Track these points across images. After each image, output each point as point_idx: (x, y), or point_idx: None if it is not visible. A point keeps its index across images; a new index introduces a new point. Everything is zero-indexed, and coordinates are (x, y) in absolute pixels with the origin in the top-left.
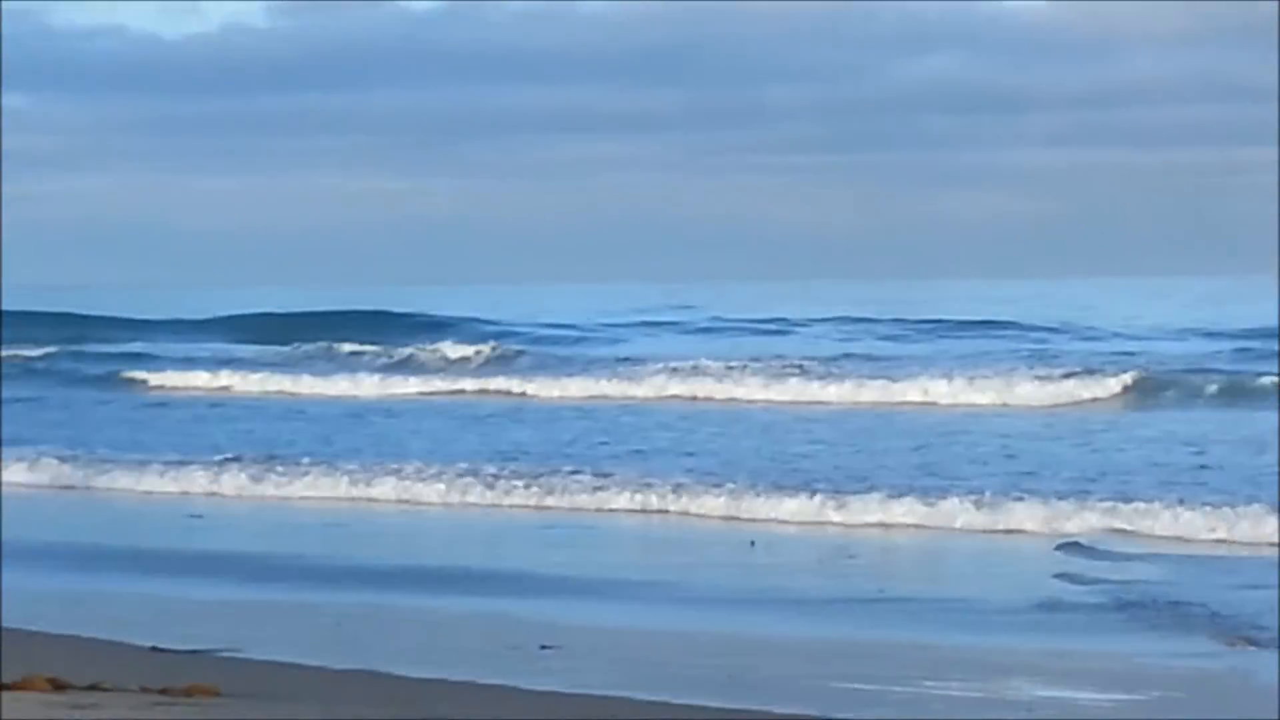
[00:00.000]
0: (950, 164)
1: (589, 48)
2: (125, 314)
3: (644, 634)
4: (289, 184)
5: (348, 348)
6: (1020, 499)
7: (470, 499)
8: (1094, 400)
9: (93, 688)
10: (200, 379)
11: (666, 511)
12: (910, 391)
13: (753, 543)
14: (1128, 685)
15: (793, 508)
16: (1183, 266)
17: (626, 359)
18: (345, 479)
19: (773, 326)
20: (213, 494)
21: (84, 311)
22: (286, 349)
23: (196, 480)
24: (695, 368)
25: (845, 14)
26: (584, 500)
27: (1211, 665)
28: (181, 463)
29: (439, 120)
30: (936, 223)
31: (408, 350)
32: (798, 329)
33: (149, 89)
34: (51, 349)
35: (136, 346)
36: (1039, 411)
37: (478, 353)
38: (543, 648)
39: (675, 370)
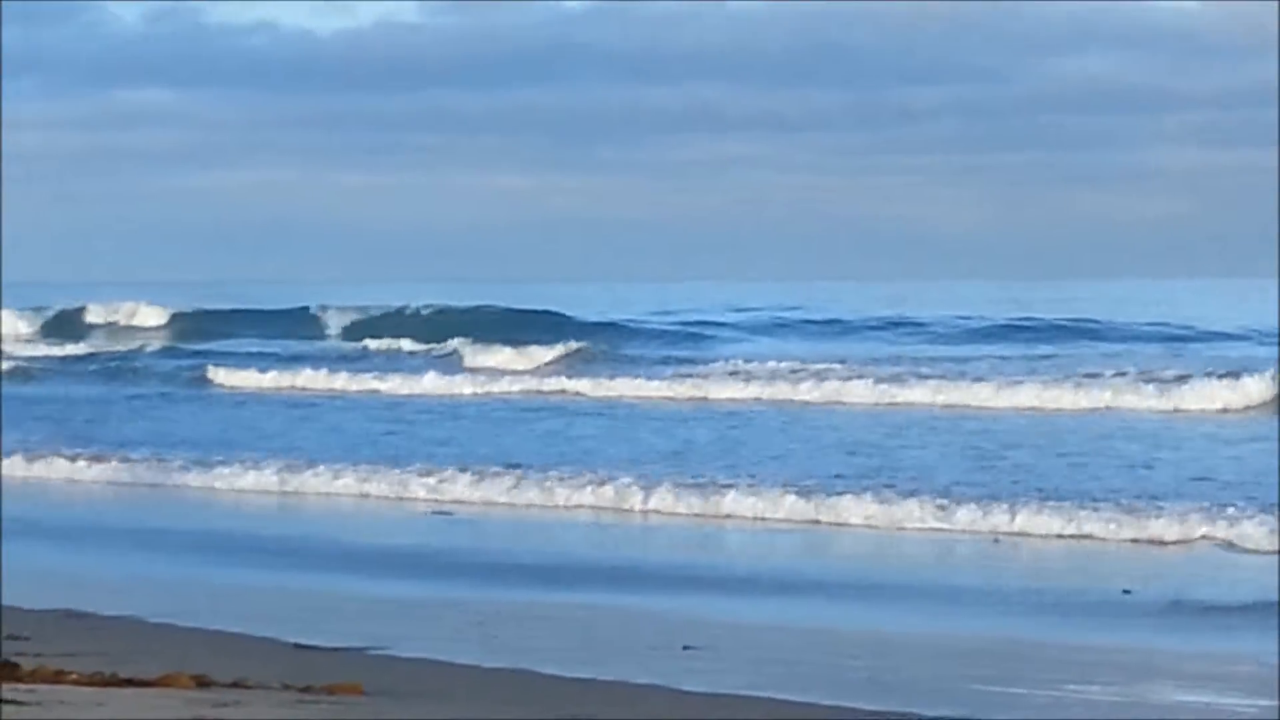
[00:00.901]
0: (1097, 164)
1: (734, 47)
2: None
3: (782, 633)
4: (439, 181)
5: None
6: (1161, 504)
7: (599, 502)
8: (1242, 409)
9: (235, 685)
10: (267, 378)
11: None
12: (1058, 396)
13: (996, 539)
14: (1270, 691)
15: (956, 516)
16: None
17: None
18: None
19: (904, 325)
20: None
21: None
22: (353, 345)
23: (327, 480)
24: (827, 370)
25: (989, 14)
26: (738, 505)
27: None
28: (312, 460)
29: (585, 118)
30: (1084, 223)
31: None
32: (930, 328)
33: (300, 85)
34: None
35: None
36: (1181, 415)
37: (564, 351)
38: (685, 648)
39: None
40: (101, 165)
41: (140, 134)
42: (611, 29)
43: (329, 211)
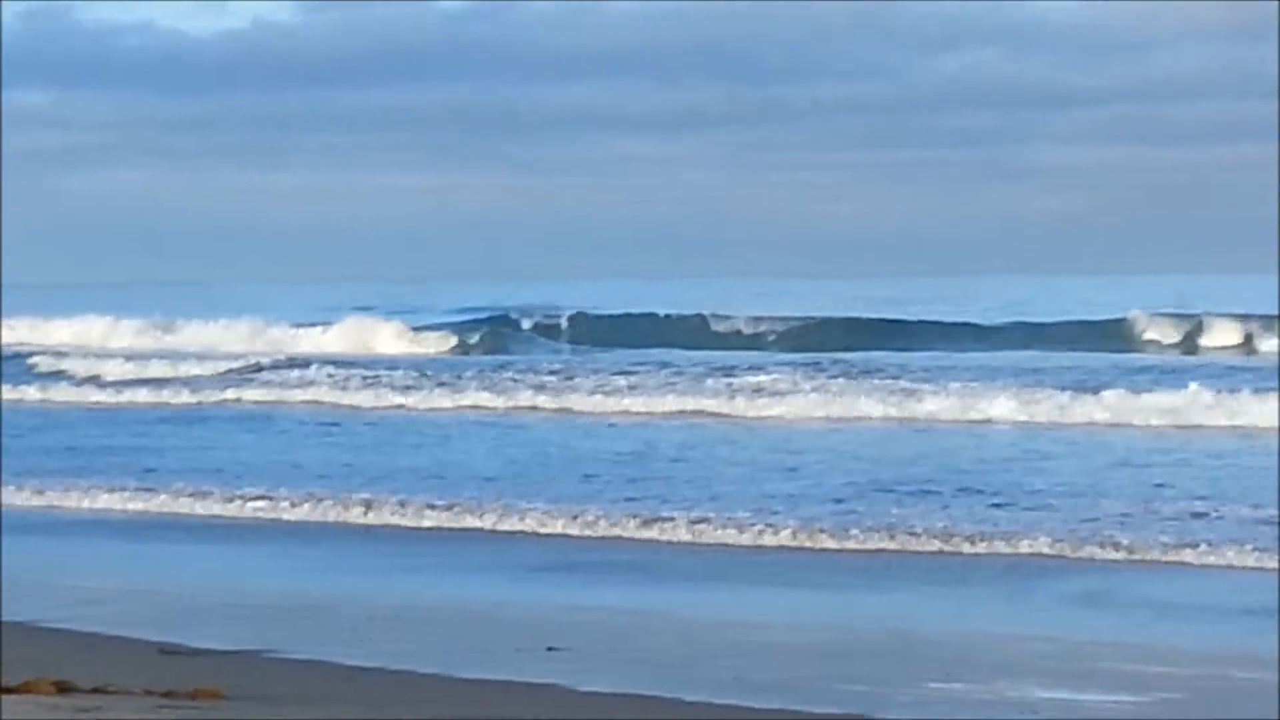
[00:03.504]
0: (986, 160)
1: (618, 47)
2: None
3: (648, 633)
4: (317, 180)
5: None
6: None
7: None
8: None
9: (97, 690)
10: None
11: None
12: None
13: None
14: (1132, 687)
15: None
16: (1221, 264)
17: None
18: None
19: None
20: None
21: None
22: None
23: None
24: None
25: (874, 12)
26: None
27: (1220, 670)
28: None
29: (469, 118)
30: (973, 219)
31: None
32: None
33: (176, 86)
34: None
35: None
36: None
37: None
38: (549, 649)
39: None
40: None
41: (18, 137)
42: (490, 29)
43: (212, 213)
